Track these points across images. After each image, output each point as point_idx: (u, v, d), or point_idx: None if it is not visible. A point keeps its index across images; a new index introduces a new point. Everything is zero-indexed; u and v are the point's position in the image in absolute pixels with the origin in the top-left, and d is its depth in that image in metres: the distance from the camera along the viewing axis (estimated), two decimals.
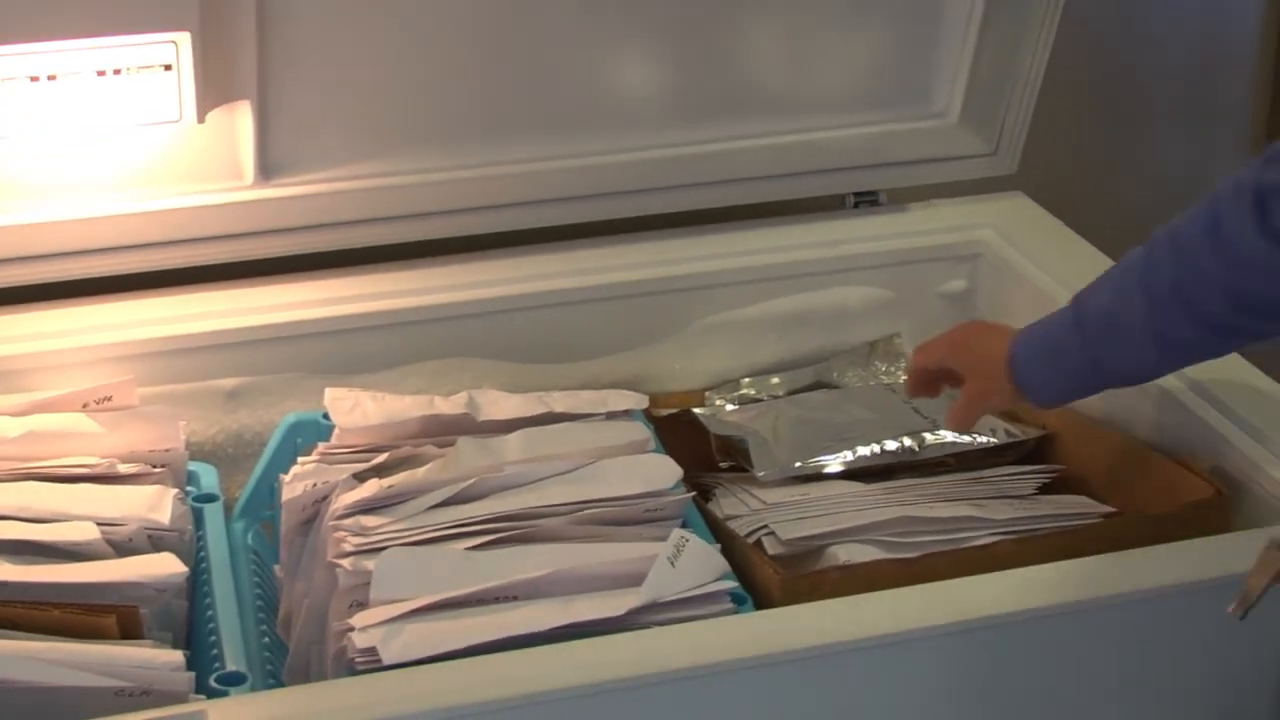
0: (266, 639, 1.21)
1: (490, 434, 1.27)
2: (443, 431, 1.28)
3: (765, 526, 1.24)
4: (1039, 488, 1.31)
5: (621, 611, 1.09)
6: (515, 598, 1.10)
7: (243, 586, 1.24)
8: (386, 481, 1.20)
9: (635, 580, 1.11)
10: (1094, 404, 1.28)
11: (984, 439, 1.36)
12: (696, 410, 1.45)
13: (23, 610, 1.07)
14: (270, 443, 1.35)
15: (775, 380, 1.52)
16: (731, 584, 1.14)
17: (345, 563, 1.13)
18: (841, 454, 1.35)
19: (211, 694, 1.06)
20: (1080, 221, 1.55)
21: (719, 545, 1.18)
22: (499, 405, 1.32)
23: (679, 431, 1.38)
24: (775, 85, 1.49)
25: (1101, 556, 1.13)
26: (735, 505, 1.29)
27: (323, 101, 1.37)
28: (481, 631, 1.06)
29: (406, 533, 1.15)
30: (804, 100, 1.50)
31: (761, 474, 1.33)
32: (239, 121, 1.34)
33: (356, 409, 1.28)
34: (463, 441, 1.25)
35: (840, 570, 1.18)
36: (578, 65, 1.43)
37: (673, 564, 1.12)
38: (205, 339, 1.37)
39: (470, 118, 1.42)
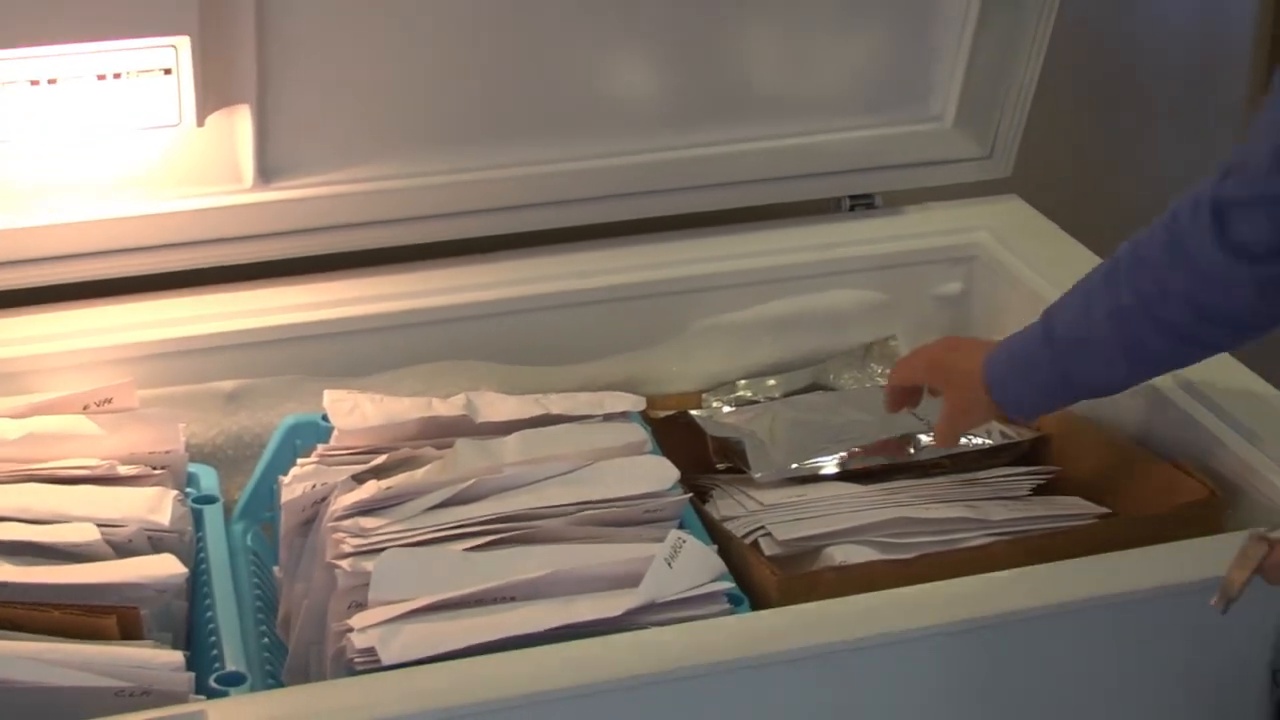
0: (266, 639, 1.21)
1: (488, 436, 1.27)
2: (441, 433, 1.29)
3: (762, 527, 1.24)
4: (1034, 489, 1.32)
5: (619, 612, 1.09)
6: (513, 598, 1.10)
7: (242, 587, 1.25)
8: (385, 483, 1.20)
9: (633, 581, 1.12)
10: (1088, 406, 1.29)
11: (979, 441, 1.36)
12: (693, 412, 1.45)
13: (23, 611, 1.07)
14: (269, 444, 1.35)
15: (771, 382, 1.52)
16: (728, 585, 1.15)
17: (344, 564, 1.13)
18: (837, 455, 1.36)
19: (211, 694, 1.06)
20: (1075, 224, 1.56)
21: (716, 546, 1.18)
22: (497, 407, 1.32)
23: (676, 433, 1.39)
24: (772, 89, 1.50)
25: (1096, 557, 1.14)
26: (732, 506, 1.30)
27: (321, 105, 1.37)
28: (480, 632, 1.07)
29: (405, 534, 1.15)
30: (800, 104, 1.51)
31: (758, 475, 1.33)
32: (238, 125, 1.35)
33: (355, 411, 1.29)
34: (461, 443, 1.25)
35: (836, 571, 1.18)
36: (575, 69, 1.43)
37: (670, 565, 1.13)
38: (205, 341, 1.37)
39: (468, 122, 1.43)
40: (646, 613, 1.10)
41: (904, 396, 1.32)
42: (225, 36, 1.29)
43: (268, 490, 1.32)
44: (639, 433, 1.30)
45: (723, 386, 1.52)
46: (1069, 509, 1.28)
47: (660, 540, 1.16)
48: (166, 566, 1.14)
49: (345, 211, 1.41)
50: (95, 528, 1.16)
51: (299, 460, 1.27)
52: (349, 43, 1.35)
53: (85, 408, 1.28)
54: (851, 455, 1.36)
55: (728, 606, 1.13)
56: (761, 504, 1.28)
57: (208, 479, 1.31)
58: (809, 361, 1.54)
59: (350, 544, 1.15)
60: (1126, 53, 1.81)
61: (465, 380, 1.43)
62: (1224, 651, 1.15)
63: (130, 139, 1.33)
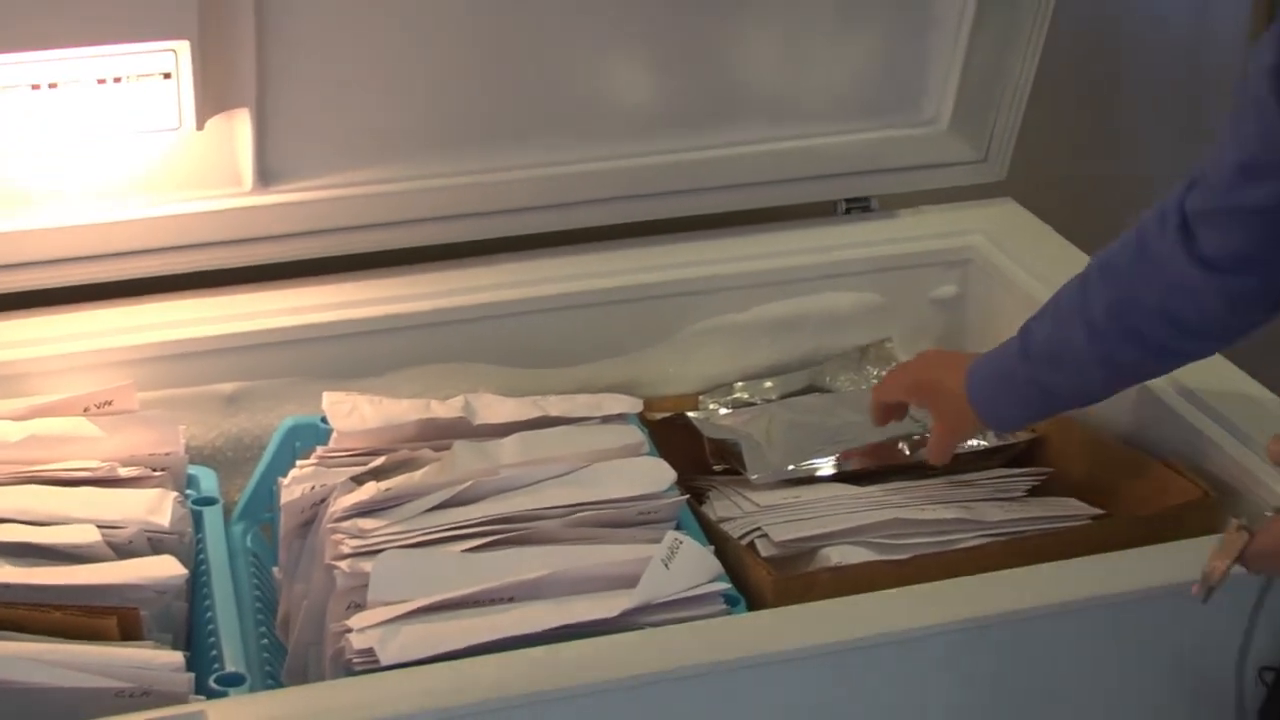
0: (265, 640, 1.22)
1: (486, 437, 1.28)
2: (439, 435, 1.29)
3: (758, 529, 1.25)
4: (1029, 490, 1.32)
5: (616, 612, 1.10)
6: (511, 599, 1.11)
7: (242, 588, 1.25)
8: (384, 484, 1.20)
9: (630, 582, 1.12)
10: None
11: (974, 443, 1.37)
12: (690, 414, 1.46)
13: (24, 612, 1.08)
14: (269, 446, 1.35)
15: (768, 384, 1.53)
16: (725, 585, 1.15)
17: (343, 565, 1.14)
18: (833, 457, 1.36)
19: (211, 695, 1.06)
20: (1069, 227, 1.56)
21: (712, 547, 1.19)
22: (495, 409, 1.32)
23: (673, 435, 1.39)
24: (768, 93, 1.50)
25: (1092, 557, 1.14)
26: (728, 508, 1.30)
27: (320, 109, 1.37)
28: (478, 632, 1.07)
29: (404, 535, 1.16)
30: (797, 108, 1.51)
31: (754, 477, 1.34)
32: (238, 129, 1.35)
33: (354, 413, 1.29)
34: (459, 445, 1.25)
35: (832, 572, 1.18)
36: (573, 72, 1.43)
37: (667, 566, 1.13)
38: (204, 344, 1.37)
39: (466, 125, 1.43)
40: (644, 613, 1.11)
41: (890, 411, 1.34)
42: (224, 41, 1.29)
43: (267, 492, 1.32)
44: (636, 434, 1.30)
45: (719, 388, 1.52)
46: (1064, 510, 1.28)
47: (657, 541, 1.16)
48: (166, 568, 1.15)
49: (344, 215, 1.41)
50: (96, 529, 1.17)
51: (298, 462, 1.27)
52: (348, 46, 1.36)
53: (86, 410, 1.28)
54: (847, 457, 1.36)
55: (724, 607, 1.14)
56: (758, 505, 1.28)
57: (207, 481, 1.32)
58: (805, 363, 1.54)
59: (349, 545, 1.15)
60: (1121, 56, 1.81)
61: (464, 382, 1.43)
62: (1220, 650, 1.15)
63: (130, 143, 1.33)
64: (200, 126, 1.32)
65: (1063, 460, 1.36)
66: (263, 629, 1.23)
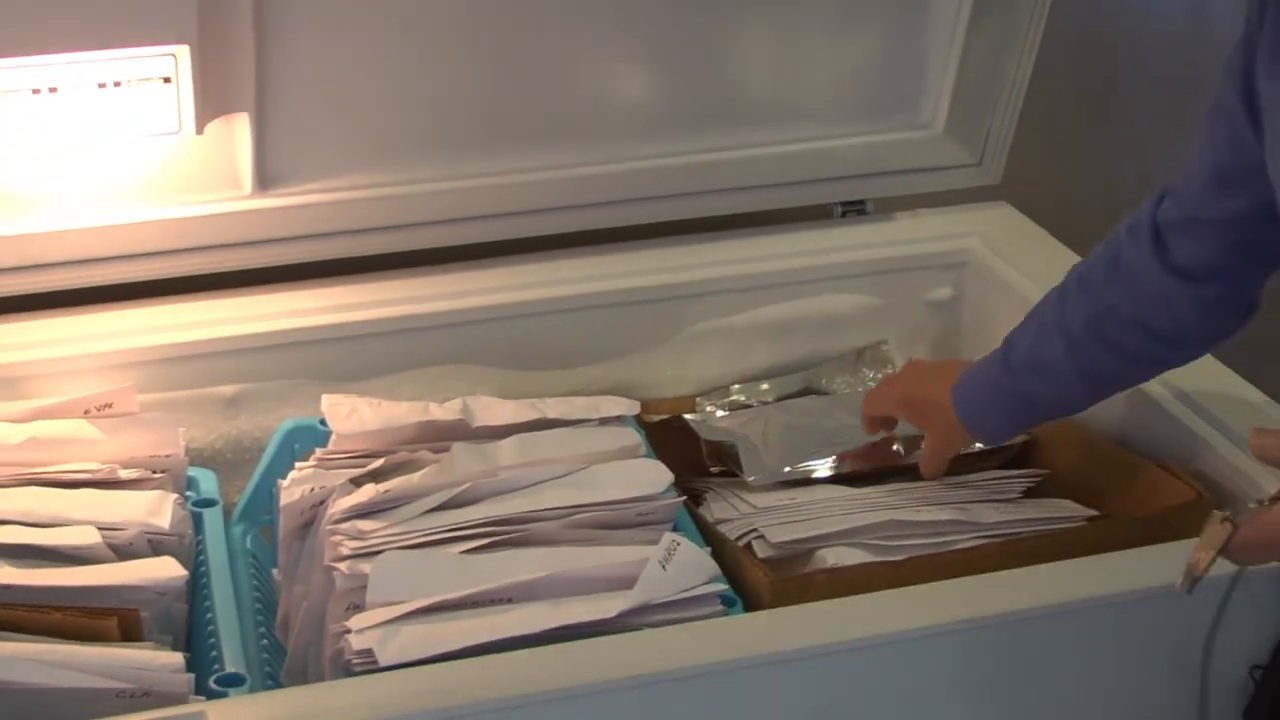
0: (265, 641, 1.22)
1: (485, 440, 1.28)
2: (438, 437, 1.29)
3: (755, 530, 1.25)
4: (1024, 492, 1.33)
5: (614, 614, 1.10)
6: (509, 600, 1.11)
7: (241, 590, 1.25)
8: (383, 486, 1.20)
9: (627, 583, 1.12)
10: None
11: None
12: (687, 416, 1.46)
13: (25, 613, 1.08)
14: (268, 448, 1.35)
15: (765, 386, 1.53)
16: (721, 586, 1.16)
17: (342, 566, 1.14)
18: (829, 458, 1.37)
19: (211, 695, 1.07)
20: (1064, 230, 1.56)
21: (709, 548, 1.19)
22: (493, 411, 1.33)
23: (670, 437, 1.39)
24: (765, 97, 1.50)
25: (1086, 558, 1.15)
26: (725, 509, 1.31)
27: (319, 113, 1.38)
28: (476, 633, 1.07)
29: (402, 536, 1.16)
30: (793, 112, 1.52)
31: (751, 479, 1.34)
32: (237, 133, 1.35)
33: (353, 415, 1.29)
34: (458, 447, 1.26)
35: (828, 573, 1.19)
36: (570, 77, 1.44)
37: (664, 567, 1.14)
38: (204, 346, 1.37)
39: (464, 129, 1.43)
40: (641, 614, 1.11)
41: (880, 424, 1.35)
42: (224, 45, 1.29)
43: (266, 493, 1.33)
44: (633, 436, 1.30)
45: (716, 391, 1.52)
46: (1059, 511, 1.29)
47: (654, 543, 1.16)
48: (166, 569, 1.15)
49: (343, 218, 1.42)
50: (96, 531, 1.17)
51: (297, 464, 1.27)
52: (347, 50, 1.36)
53: (86, 412, 1.28)
54: (843, 459, 1.37)
55: (721, 608, 1.14)
56: (754, 507, 1.29)
57: (207, 482, 1.32)
58: (802, 366, 1.54)
59: (348, 546, 1.15)
60: (1116, 59, 1.81)
61: (462, 385, 1.44)
62: (1216, 650, 1.16)
63: (130, 146, 1.33)
64: (200, 130, 1.33)
65: (1057, 462, 1.37)
66: (262, 630, 1.23)
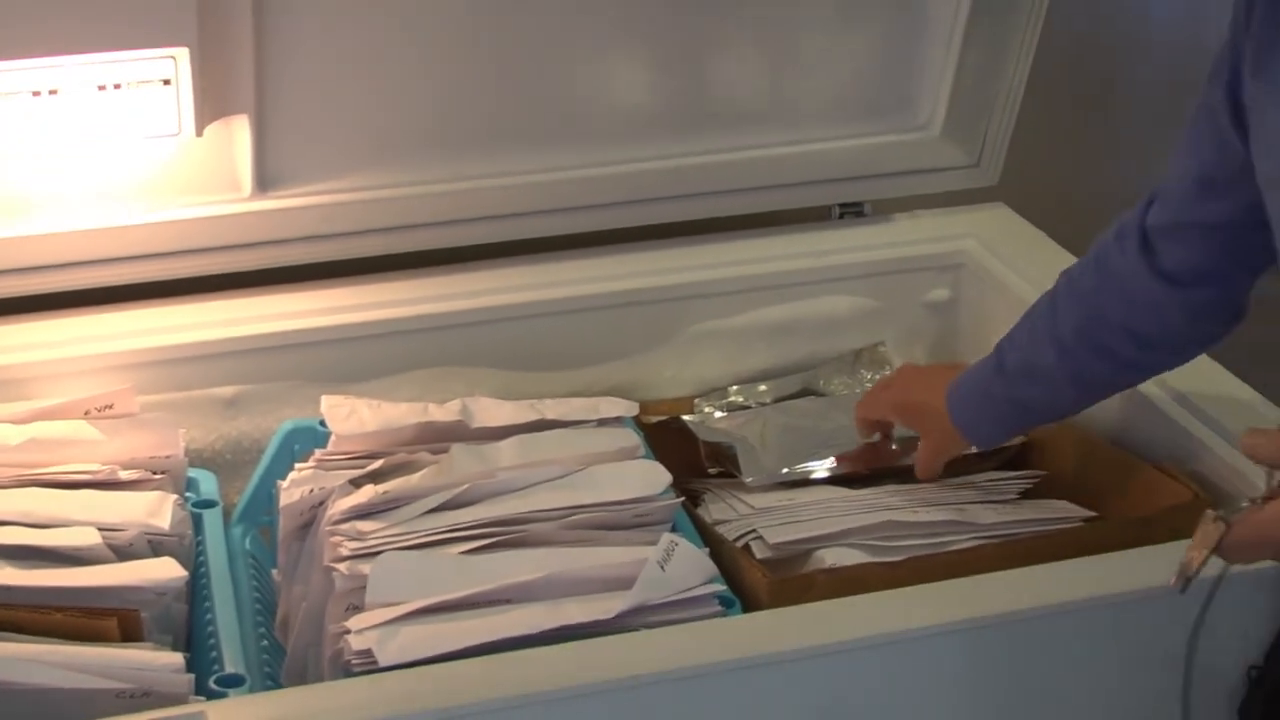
0: (265, 642, 1.22)
1: (483, 441, 1.28)
2: (437, 438, 1.30)
3: (753, 531, 1.25)
4: (1021, 493, 1.33)
5: (612, 614, 1.10)
6: (508, 601, 1.12)
7: (241, 590, 1.25)
8: (382, 487, 1.21)
9: (625, 584, 1.13)
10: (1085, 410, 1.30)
11: None
12: (686, 417, 1.46)
13: (25, 614, 1.08)
14: (268, 449, 1.36)
15: (763, 388, 1.53)
16: (720, 587, 1.16)
17: (341, 567, 1.14)
18: (827, 460, 1.37)
19: (211, 695, 1.07)
20: (1061, 232, 1.56)
21: (708, 549, 1.20)
22: (492, 412, 1.33)
23: (669, 438, 1.40)
24: (763, 100, 1.51)
25: (1084, 559, 1.15)
26: (724, 510, 1.31)
27: (319, 115, 1.38)
28: (475, 634, 1.08)
29: (401, 537, 1.16)
30: (791, 114, 1.52)
31: (749, 480, 1.35)
32: (237, 135, 1.36)
33: (353, 416, 1.30)
34: (456, 448, 1.26)
35: (826, 573, 1.19)
36: (569, 80, 1.44)
37: (662, 568, 1.14)
38: (204, 348, 1.38)
39: (463, 131, 1.44)
40: (639, 615, 1.12)
41: (874, 427, 1.36)
42: (223, 48, 1.30)
43: (266, 495, 1.33)
44: (632, 438, 1.31)
45: (715, 392, 1.53)
46: (1056, 512, 1.29)
47: (653, 543, 1.16)
48: (166, 570, 1.15)
49: (342, 220, 1.42)
50: (96, 532, 1.17)
51: (297, 465, 1.28)
52: (346, 52, 1.36)
53: (86, 413, 1.29)
54: (841, 460, 1.37)
55: (719, 609, 1.14)
56: (753, 508, 1.29)
57: (207, 484, 1.32)
58: (800, 367, 1.55)
59: (347, 547, 1.16)
60: (1113, 61, 1.82)
61: (461, 386, 1.44)
62: (1211, 650, 1.16)
63: (130, 149, 1.34)
64: (200, 132, 1.33)
65: (1055, 463, 1.37)
66: (262, 630, 1.24)
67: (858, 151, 1.55)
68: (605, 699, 1.04)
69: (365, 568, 1.13)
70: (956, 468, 1.34)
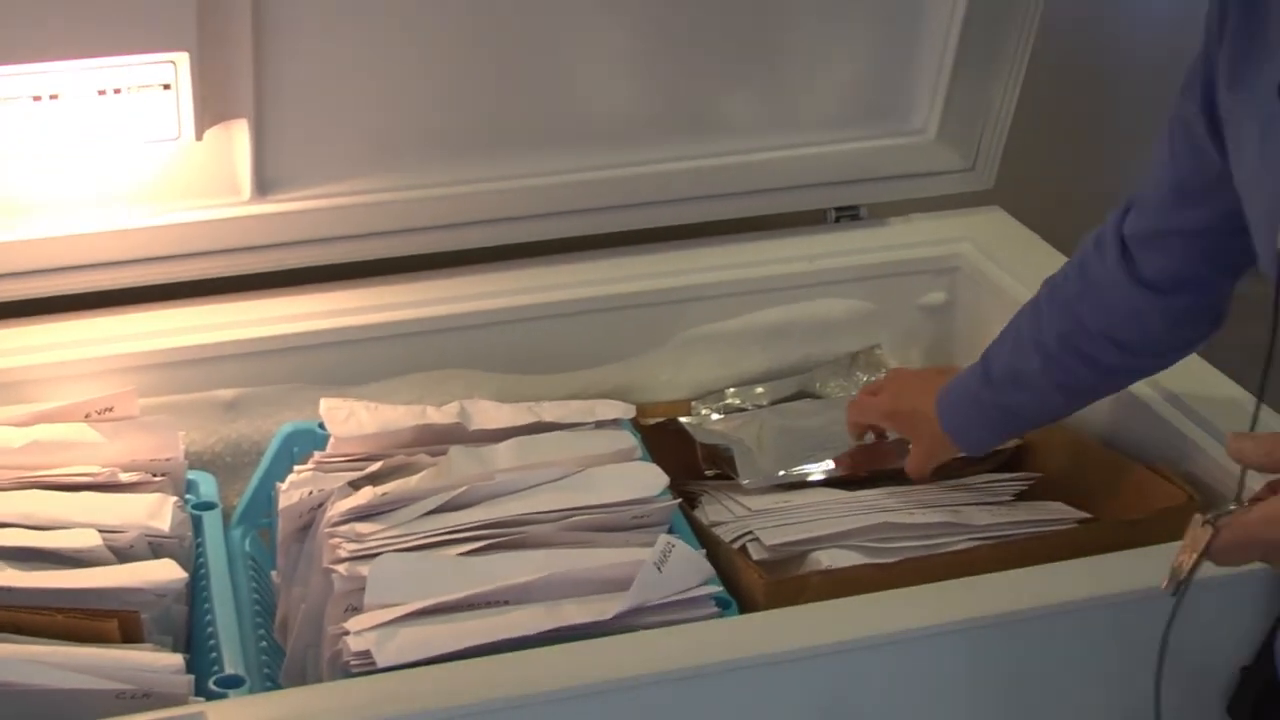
0: (264, 643, 1.23)
1: (481, 443, 1.29)
2: (435, 440, 1.30)
3: (750, 532, 1.26)
4: (1016, 495, 1.33)
5: (609, 615, 1.11)
6: (506, 602, 1.12)
7: (241, 592, 1.26)
8: (380, 489, 1.21)
9: (623, 585, 1.13)
10: (1074, 413, 1.31)
11: None
12: (682, 419, 1.47)
13: (26, 615, 1.09)
14: (267, 452, 1.36)
15: (759, 390, 1.54)
16: (716, 588, 1.16)
17: (340, 568, 1.15)
18: (824, 462, 1.38)
19: (210, 696, 1.07)
20: (1056, 235, 1.57)
21: (704, 551, 1.20)
22: (490, 415, 1.33)
23: (666, 440, 1.40)
24: (760, 104, 1.51)
25: (1079, 560, 1.16)
26: (720, 512, 1.31)
27: (318, 119, 1.38)
28: (473, 635, 1.08)
29: (400, 539, 1.17)
30: (787, 119, 1.52)
31: (746, 482, 1.35)
32: (236, 139, 1.36)
33: (351, 419, 1.30)
34: (454, 450, 1.27)
35: (822, 575, 1.19)
36: (565, 85, 1.44)
37: (659, 569, 1.14)
38: (204, 351, 1.38)
39: (462, 135, 1.44)
40: (636, 616, 1.12)
41: (865, 431, 1.37)
42: (223, 53, 1.30)
43: (265, 497, 1.33)
44: (629, 440, 1.31)
45: (711, 394, 1.53)
46: (1051, 514, 1.29)
47: (650, 545, 1.17)
48: (166, 571, 1.16)
49: (341, 223, 1.42)
50: (97, 534, 1.18)
51: (296, 467, 1.28)
52: (344, 58, 1.37)
53: (87, 416, 1.29)
54: (837, 462, 1.38)
55: (716, 610, 1.15)
56: (749, 509, 1.29)
57: (207, 486, 1.33)
58: (796, 370, 1.55)
59: (346, 549, 1.16)
60: (1107, 65, 1.82)
61: (459, 388, 1.44)
62: (1204, 651, 1.16)
63: (130, 153, 1.34)
64: (199, 137, 1.33)
65: (1049, 465, 1.38)
66: (261, 632, 1.24)
67: (854, 155, 1.55)
68: (603, 699, 1.04)
69: (364, 569, 1.13)
70: (951, 470, 1.35)
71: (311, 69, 1.36)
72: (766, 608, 1.14)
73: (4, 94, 1.26)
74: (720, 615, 1.15)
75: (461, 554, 1.16)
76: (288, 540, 1.24)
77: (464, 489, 1.21)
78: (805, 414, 1.47)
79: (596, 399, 1.40)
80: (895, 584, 1.14)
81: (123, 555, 1.19)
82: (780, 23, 1.47)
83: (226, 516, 1.34)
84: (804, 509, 1.28)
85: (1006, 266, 1.54)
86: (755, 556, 1.24)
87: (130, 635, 1.10)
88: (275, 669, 1.20)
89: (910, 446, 1.32)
